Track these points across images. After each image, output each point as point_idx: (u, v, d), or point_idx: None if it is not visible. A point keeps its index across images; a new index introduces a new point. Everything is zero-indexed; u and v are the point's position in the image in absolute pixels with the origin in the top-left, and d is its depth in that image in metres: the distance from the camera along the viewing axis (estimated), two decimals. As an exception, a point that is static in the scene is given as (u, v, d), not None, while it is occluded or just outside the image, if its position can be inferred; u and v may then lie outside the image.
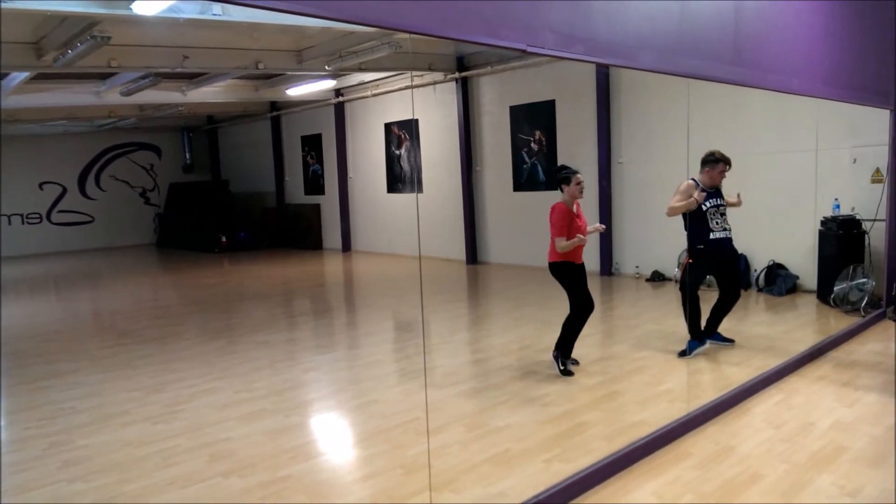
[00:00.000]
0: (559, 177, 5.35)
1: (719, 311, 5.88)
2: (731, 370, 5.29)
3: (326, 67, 9.77)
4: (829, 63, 5.68)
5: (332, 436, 4.55)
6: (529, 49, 3.14)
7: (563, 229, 5.16)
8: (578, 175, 5.30)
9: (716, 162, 5.66)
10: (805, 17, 5.34)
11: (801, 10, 5.28)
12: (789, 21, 5.13)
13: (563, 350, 5.38)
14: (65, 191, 17.96)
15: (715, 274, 5.92)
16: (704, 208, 5.62)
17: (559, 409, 4.60)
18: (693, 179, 5.71)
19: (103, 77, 10.95)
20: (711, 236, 5.63)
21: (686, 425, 4.09)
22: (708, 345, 5.86)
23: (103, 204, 18.39)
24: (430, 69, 11.73)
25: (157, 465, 3.90)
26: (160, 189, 19.47)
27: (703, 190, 5.63)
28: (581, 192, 5.30)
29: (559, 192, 5.34)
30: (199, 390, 5.29)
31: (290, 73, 11.57)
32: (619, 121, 10.04)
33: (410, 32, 2.79)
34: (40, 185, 17.46)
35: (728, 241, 5.71)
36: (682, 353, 5.69)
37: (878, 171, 7.46)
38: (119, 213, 18.64)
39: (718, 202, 5.71)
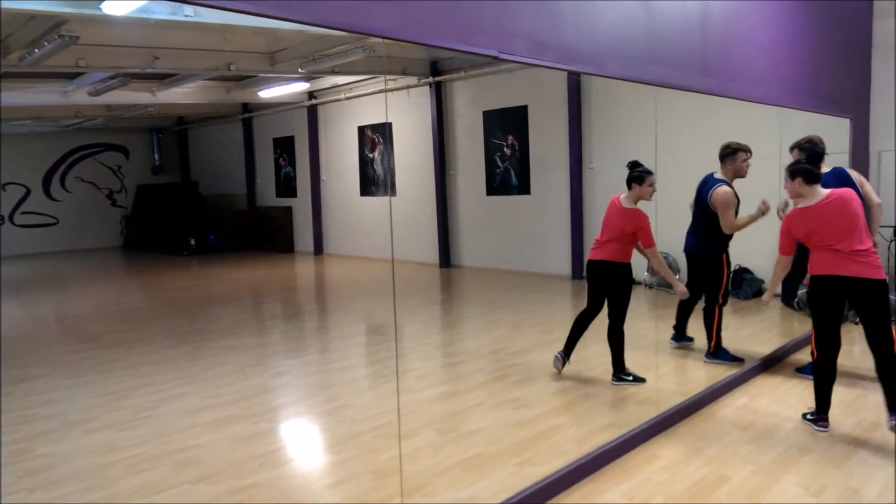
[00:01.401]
0: (633, 173, 5.03)
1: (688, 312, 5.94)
2: (699, 373, 5.38)
3: (300, 70, 9.71)
4: (792, 73, 5.83)
5: (303, 441, 4.52)
6: (501, 56, 3.17)
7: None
8: (653, 176, 4.98)
9: (735, 152, 5.36)
10: (769, 28, 5.47)
11: (766, 20, 5.41)
12: (754, 31, 5.25)
13: (619, 364, 5.10)
14: (28, 192, 17.53)
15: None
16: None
17: (531, 412, 4.63)
18: (723, 182, 5.38)
19: (70, 77, 10.73)
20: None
21: (655, 427, 4.15)
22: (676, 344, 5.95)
23: (69, 205, 17.99)
24: (404, 73, 11.74)
25: (123, 473, 3.82)
26: (127, 190, 19.11)
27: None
28: (651, 195, 4.98)
29: (630, 188, 5.04)
30: (166, 396, 5.21)
31: (262, 74, 11.49)
32: (591, 126, 10.15)
33: (384, 37, 2.80)
34: (3, 186, 17.03)
35: None
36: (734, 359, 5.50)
37: None
38: (85, 215, 18.24)
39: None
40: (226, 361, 6.18)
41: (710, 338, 5.63)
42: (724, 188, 5.36)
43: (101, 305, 10.03)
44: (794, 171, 4.12)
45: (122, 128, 18.00)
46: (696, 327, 5.91)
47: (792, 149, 4.95)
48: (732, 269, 8.43)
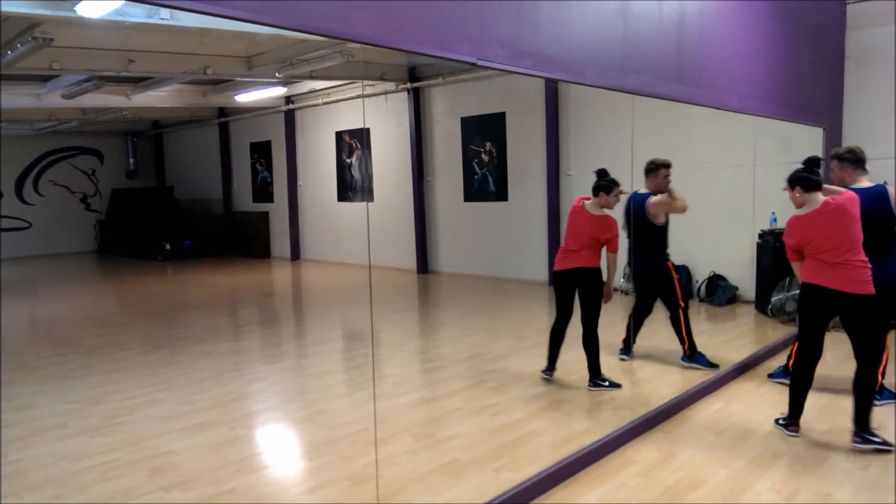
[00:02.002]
0: (602, 182, 5.09)
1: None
2: (674, 378, 5.43)
3: (277, 74, 9.67)
4: (766, 82, 5.94)
5: (278, 447, 4.48)
6: (479, 62, 3.19)
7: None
8: (620, 187, 5.15)
9: (657, 168, 5.61)
10: (743, 37, 5.57)
11: (740, 30, 5.51)
12: (729, 41, 5.34)
13: (595, 369, 5.15)
14: (1, 195, 17.19)
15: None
16: (665, 221, 5.63)
17: (508, 418, 4.64)
18: (650, 195, 5.57)
19: (44, 79, 10.57)
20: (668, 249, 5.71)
21: (630, 433, 4.18)
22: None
23: (42, 209, 17.68)
24: (382, 79, 11.74)
25: (95, 480, 3.76)
26: (102, 195, 18.83)
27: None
28: (615, 205, 5.13)
29: (597, 196, 5.10)
30: (139, 402, 5.14)
31: (239, 79, 11.42)
32: (568, 134, 10.24)
33: (362, 43, 2.81)
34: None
35: None
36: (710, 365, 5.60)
37: None
38: (58, 220, 17.94)
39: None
40: (201, 367, 6.12)
41: (682, 342, 5.70)
42: (655, 197, 5.55)
43: (74, 310, 9.86)
44: (793, 181, 4.10)
45: (97, 131, 17.75)
46: (667, 335, 5.95)
47: (832, 158, 4.89)
48: (708, 275, 8.63)
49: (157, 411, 4.93)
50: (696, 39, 4.85)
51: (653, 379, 5.58)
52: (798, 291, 7.19)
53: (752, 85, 5.66)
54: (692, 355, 5.67)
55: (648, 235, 5.53)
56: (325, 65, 9.27)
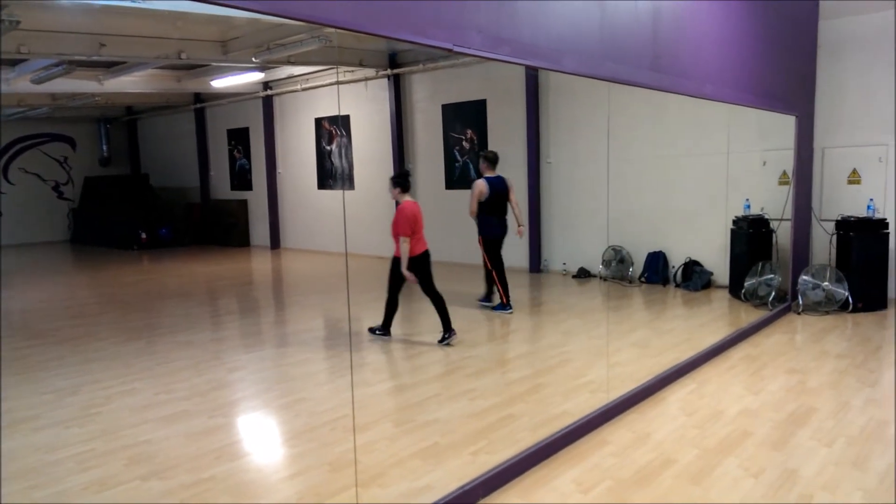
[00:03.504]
0: (407, 182, 6.35)
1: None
2: (649, 361, 5.51)
3: (253, 59, 9.55)
4: (741, 70, 6.00)
5: (258, 435, 4.48)
6: (456, 49, 3.19)
7: None
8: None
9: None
10: (719, 26, 5.61)
11: (716, 19, 5.56)
12: (704, 29, 5.38)
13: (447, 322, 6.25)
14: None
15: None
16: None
17: (486, 402, 4.68)
18: (485, 178, 7.25)
19: (12, 63, 10.33)
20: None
21: (605, 415, 4.25)
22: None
23: (12, 198, 17.34)
24: (362, 65, 11.65)
25: (71, 470, 3.74)
26: (74, 183, 18.51)
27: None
28: None
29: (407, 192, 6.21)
30: (115, 392, 5.10)
31: (215, 64, 11.25)
32: (548, 122, 10.26)
33: (337, 28, 2.79)
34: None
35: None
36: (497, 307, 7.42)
37: (784, 173, 7.92)
38: (30, 208, 17.61)
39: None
40: (179, 357, 6.08)
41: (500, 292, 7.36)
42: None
43: (47, 301, 9.72)
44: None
45: (69, 118, 17.41)
46: (644, 319, 6.03)
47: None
48: (684, 261, 8.74)
49: (133, 401, 4.90)
50: (672, 27, 4.89)
51: (628, 362, 5.66)
52: (771, 276, 7.34)
53: (726, 73, 5.71)
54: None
55: (504, 210, 7.40)
56: (303, 50, 9.16)
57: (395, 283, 6.24)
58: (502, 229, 7.43)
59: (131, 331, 7.35)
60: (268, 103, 14.82)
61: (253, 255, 14.63)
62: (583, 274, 9.69)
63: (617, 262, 9.32)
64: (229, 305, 9.47)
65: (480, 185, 7.27)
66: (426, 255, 6.23)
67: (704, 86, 5.28)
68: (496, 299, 7.47)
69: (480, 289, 7.81)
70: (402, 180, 6.26)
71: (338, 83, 13.08)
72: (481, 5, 3.34)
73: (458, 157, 11.45)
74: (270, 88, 14.47)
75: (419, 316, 7.28)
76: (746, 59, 6.14)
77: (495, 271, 7.38)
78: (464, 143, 11.32)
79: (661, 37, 4.71)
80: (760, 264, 7.46)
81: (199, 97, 16.26)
